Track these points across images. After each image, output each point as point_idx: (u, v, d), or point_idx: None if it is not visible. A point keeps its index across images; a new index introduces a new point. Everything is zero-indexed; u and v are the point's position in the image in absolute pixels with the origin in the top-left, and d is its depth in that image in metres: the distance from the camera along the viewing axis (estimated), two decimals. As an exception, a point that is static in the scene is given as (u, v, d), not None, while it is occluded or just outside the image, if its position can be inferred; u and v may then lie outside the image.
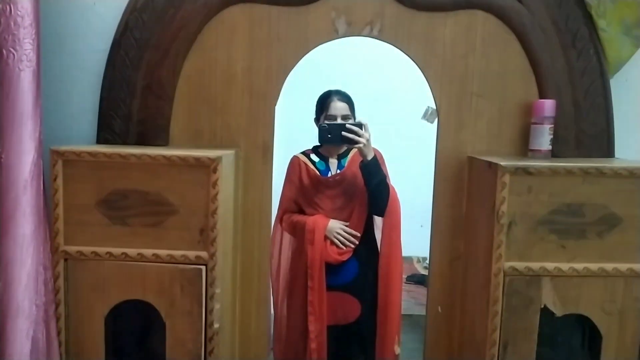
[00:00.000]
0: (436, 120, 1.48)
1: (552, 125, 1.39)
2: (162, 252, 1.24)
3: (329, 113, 1.69)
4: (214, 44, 1.42)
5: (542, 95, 1.43)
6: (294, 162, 1.80)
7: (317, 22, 1.41)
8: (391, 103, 1.70)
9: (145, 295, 1.25)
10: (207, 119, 1.46)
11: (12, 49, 1.04)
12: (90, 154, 1.23)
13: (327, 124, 1.61)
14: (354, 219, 1.73)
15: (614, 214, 1.24)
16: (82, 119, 1.46)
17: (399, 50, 1.44)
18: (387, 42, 1.43)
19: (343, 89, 1.72)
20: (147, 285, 1.24)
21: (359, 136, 1.55)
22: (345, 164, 1.75)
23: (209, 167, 1.22)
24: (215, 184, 1.22)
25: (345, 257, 1.73)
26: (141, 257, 1.24)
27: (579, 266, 1.25)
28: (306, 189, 1.75)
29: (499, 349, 1.26)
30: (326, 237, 1.72)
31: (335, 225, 1.72)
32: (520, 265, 1.24)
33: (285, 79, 1.45)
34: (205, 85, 1.44)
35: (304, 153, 1.80)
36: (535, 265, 1.25)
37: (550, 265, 1.25)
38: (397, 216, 1.75)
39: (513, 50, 1.42)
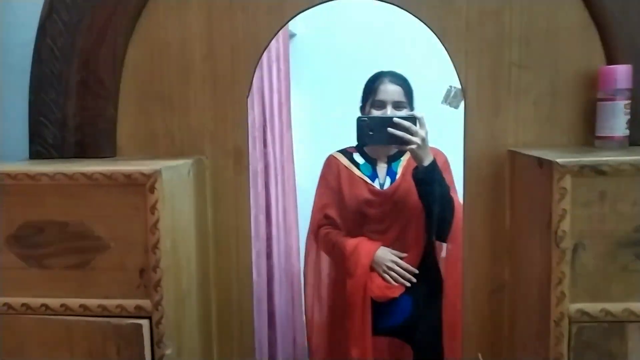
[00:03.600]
0: (462, 103, 1.10)
1: (629, 101, 0.99)
2: (92, 302, 0.93)
3: (377, 98, 1.36)
4: (162, 21, 1.10)
5: (611, 60, 1.03)
6: (332, 164, 1.46)
7: (294, -19, 1.06)
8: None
9: (73, 359, 0.94)
10: (161, 120, 1.14)
11: None
12: (-10, 175, 0.93)
13: (367, 117, 1.27)
14: (407, 244, 1.37)
15: None
16: (12, 130, 1.17)
17: (407, 13, 1.06)
18: (390, 3, 1.06)
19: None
20: (74, 347, 0.93)
21: (412, 134, 1.20)
22: (398, 171, 1.39)
23: (144, 185, 0.89)
24: (153, 208, 0.89)
25: (396, 294, 1.38)
26: (65, 310, 0.93)
27: (682, 306, 0.84)
28: (346, 198, 1.41)
29: None
30: (372, 269, 1.38)
31: (387, 256, 1.36)
32: (593, 307, 0.85)
33: (258, 61, 1.10)
34: (156, 77, 1.12)
35: (344, 152, 1.46)
36: (616, 307, 0.85)
37: (638, 306, 0.85)
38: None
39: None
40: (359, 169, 1.42)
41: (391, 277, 1.34)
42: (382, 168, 1.42)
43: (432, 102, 1.47)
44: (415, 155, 1.25)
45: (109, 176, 0.90)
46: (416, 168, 1.28)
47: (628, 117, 0.99)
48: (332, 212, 1.45)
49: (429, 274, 1.39)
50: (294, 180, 2.19)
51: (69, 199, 0.91)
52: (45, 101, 1.12)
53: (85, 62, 1.10)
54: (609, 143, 1.00)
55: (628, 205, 0.84)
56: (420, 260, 1.36)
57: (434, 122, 1.24)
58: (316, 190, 1.50)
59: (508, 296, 1.10)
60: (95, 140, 1.13)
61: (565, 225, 0.84)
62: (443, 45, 1.06)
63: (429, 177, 1.26)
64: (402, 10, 1.06)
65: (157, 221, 0.89)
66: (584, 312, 0.85)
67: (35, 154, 1.14)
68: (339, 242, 1.41)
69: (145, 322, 0.91)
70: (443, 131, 1.27)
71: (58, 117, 1.12)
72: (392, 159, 1.42)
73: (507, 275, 1.10)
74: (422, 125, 1.22)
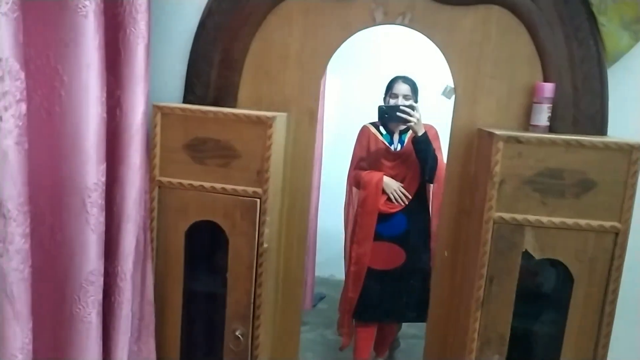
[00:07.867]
0: (453, 97, 1.78)
1: (551, 105, 1.66)
2: (229, 187, 1.65)
3: (392, 92, 2.11)
4: (274, 29, 1.78)
5: (546, 78, 1.69)
6: (365, 130, 2.22)
7: (358, 11, 1.74)
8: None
9: (215, 217, 1.66)
10: (267, 88, 1.83)
11: (132, 28, 1.45)
12: (180, 109, 1.65)
13: (385, 106, 2.00)
14: (407, 183, 2.10)
15: (589, 179, 1.51)
16: (173, 84, 1.87)
17: (425, 37, 1.74)
18: (416, 30, 1.74)
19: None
20: (216, 210, 1.66)
21: (411, 116, 1.90)
22: (405, 140, 2.11)
23: (266, 123, 1.60)
24: (270, 137, 1.60)
25: (394, 209, 2.11)
26: (213, 189, 1.66)
27: (557, 220, 1.53)
28: (372, 154, 2.15)
29: (485, 282, 1.58)
30: (384, 192, 2.10)
31: (394, 184, 2.12)
32: (507, 215, 1.54)
33: (330, 57, 1.79)
34: (266, 61, 1.81)
35: (374, 124, 2.18)
36: (519, 216, 1.54)
37: (532, 218, 1.53)
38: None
39: (522, 40, 1.69)
40: (382, 136, 2.14)
41: (394, 197, 2.07)
42: (395, 138, 2.14)
43: (434, 93, 2.19)
44: (413, 129, 1.96)
45: (247, 116, 1.61)
46: (414, 137, 1.98)
47: (549, 114, 1.66)
48: (363, 162, 2.17)
49: (420, 202, 2.12)
50: (322, 151, 2.85)
51: (222, 126, 1.63)
52: (198, 69, 1.83)
53: (225, 48, 1.80)
54: (537, 129, 1.67)
55: (532, 161, 1.52)
56: (415, 192, 2.08)
57: (434, 106, 1.97)
58: (354, 148, 2.21)
59: (467, 216, 1.79)
60: (225, 96, 1.83)
61: (497, 168, 1.52)
62: (446, 60, 1.73)
63: (421, 142, 1.97)
64: (420, 34, 1.73)
65: (271, 145, 1.60)
66: (501, 218, 1.54)
67: (187, 101, 1.85)
68: (358, 174, 2.17)
69: (258, 201, 1.63)
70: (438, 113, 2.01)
71: (205, 80, 1.83)
72: (402, 133, 2.13)
73: (468, 204, 1.79)
74: (417, 111, 1.92)
